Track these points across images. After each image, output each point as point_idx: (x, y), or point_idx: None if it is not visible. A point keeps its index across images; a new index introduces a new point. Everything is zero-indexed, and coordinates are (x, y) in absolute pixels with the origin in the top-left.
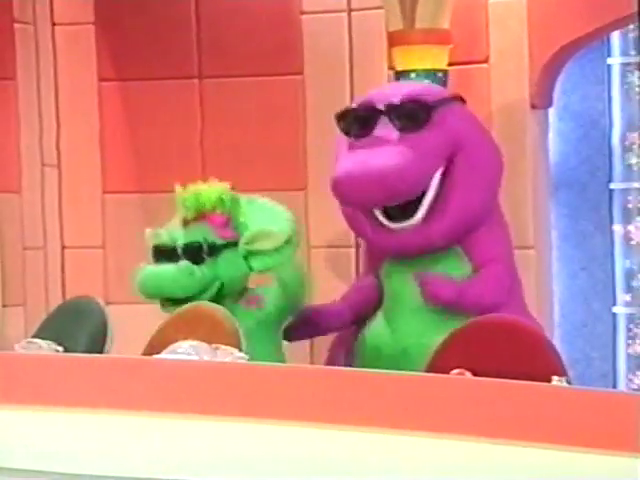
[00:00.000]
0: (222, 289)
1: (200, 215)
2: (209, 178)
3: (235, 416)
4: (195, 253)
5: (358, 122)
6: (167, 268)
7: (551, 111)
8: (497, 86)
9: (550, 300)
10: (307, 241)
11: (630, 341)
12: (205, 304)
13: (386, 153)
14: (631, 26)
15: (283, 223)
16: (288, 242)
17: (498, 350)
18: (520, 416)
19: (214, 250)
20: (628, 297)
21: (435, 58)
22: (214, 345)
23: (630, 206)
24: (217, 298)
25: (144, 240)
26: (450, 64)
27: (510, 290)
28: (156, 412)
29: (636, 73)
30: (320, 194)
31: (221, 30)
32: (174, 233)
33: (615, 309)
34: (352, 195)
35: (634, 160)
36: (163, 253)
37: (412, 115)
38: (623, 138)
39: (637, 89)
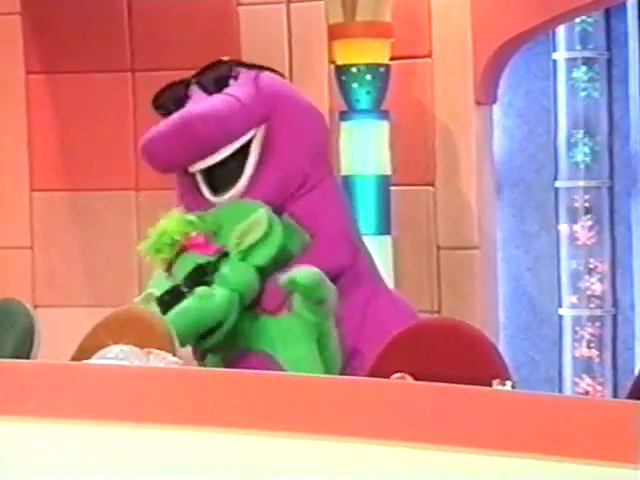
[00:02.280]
0: (243, 300)
1: (179, 250)
2: (143, 175)
3: (169, 424)
4: (198, 278)
5: (171, 97)
6: (186, 304)
7: (495, 107)
8: (440, 81)
9: (495, 301)
10: None
11: (576, 344)
12: (136, 306)
13: (189, 106)
14: (577, 20)
15: (251, 208)
16: (271, 221)
17: (440, 353)
18: (464, 421)
19: (213, 269)
20: (574, 299)
21: (376, 52)
22: (146, 349)
23: (576, 205)
24: (245, 313)
25: (75, 240)
26: (392, 58)
27: (355, 257)
28: (83, 420)
29: (582, 68)
30: None
31: (155, 21)
32: (166, 283)
33: (561, 311)
34: (160, 153)
35: (580, 158)
36: (170, 300)
37: (217, 76)
38: (569, 135)
39: (583, 85)
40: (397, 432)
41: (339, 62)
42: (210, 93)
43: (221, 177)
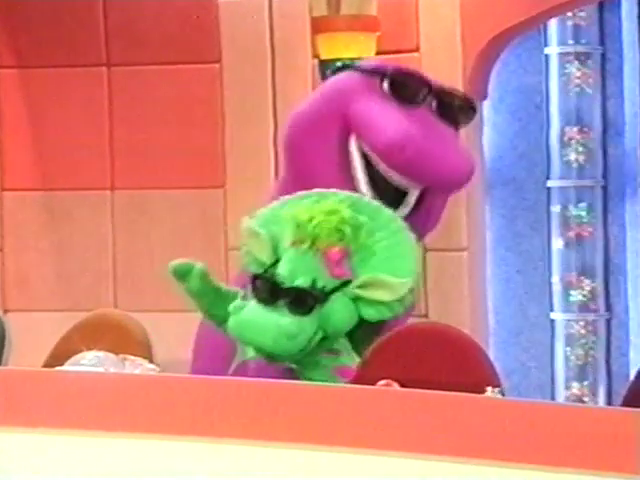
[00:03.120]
0: (321, 341)
1: (315, 246)
2: (119, 174)
3: (145, 433)
4: (302, 301)
5: (413, 90)
6: (267, 320)
7: (485, 104)
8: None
9: (484, 306)
10: (225, 243)
11: (569, 349)
12: (111, 310)
13: (460, 144)
14: (569, 13)
15: (407, 266)
16: (409, 292)
17: (427, 359)
18: (452, 430)
19: (325, 298)
20: (566, 302)
21: (362, 46)
22: (121, 355)
23: (568, 205)
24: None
25: (47, 241)
26: (378, 53)
27: None
28: (55, 429)
29: (575, 63)
30: (240, 192)
31: (131, 14)
32: (279, 254)
33: (553, 315)
34: (462, 179)
35: (573, 156)
36: (262, 286)
37: (465, 116)
38: (562, 133)
39: (576, 80)
40: (383, 441)
41: (323, 57)
42: (444, 118)
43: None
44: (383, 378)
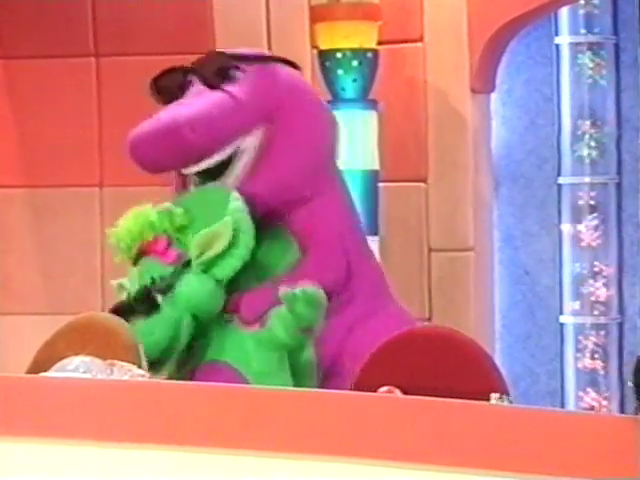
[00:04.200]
0: (197, 321)
1: (142, 252)
2: (108, 170)
3: (135, 442)
4: (146, 301)
5: (170, 84)
6: (142, 327)
7: (493, 96)
8: (433, 68)
9: (491, 308)
10: None
11: (580, 354)
12: (99, 313)
13: (180, 106)
14: (581, 1)
15: (221, 209)
16: (239, 228)
17: (431, 365)
18: (457, 439)
19: (166, 285)
20: (577, 305)
21: (363, 36)
22: (109, 361)
23: (580, 203)
24: (199, 328)
25: (33, 241)
26: (380, 43)
27: (351, 272)
28: (40, 438)
29: (587, 54)
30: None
31: (121, 2)
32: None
33: (563, 318)
34: (146, 156)
35: (585, 152)
36: (126, 313)
37: (218, 69)
38: (573, 127)
39: (589, 72)
40: (383, 451)
41: (322, 47)
42: (210, 87)
43: (215, 178)
44: (384, 384)
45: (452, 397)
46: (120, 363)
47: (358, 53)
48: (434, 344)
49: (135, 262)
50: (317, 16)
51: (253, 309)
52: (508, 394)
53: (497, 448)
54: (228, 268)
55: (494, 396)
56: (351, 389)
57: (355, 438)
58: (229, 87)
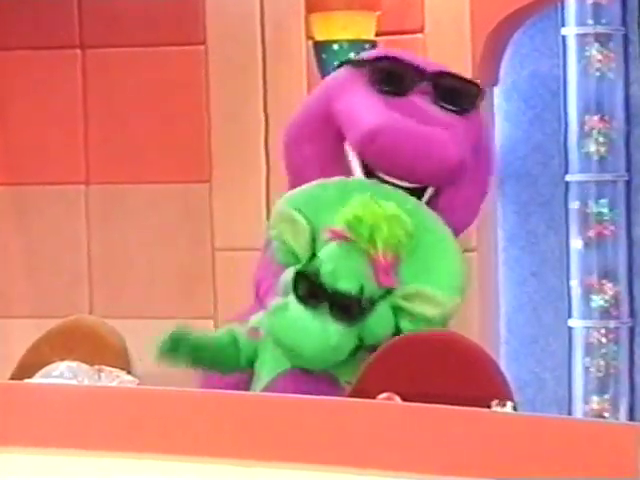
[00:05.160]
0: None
1: (362, 245)
2: (94, 167)
3: (123, 451)
4: (347, 309)
5: (396, 78)
6: (314, 327)
7: (497, 90)
8: (434, 60)
9: (495, 311)
10: (211, 242)
11: (588, 359)
12: (86, 317)
13: (446, 132)
14: None
15: (454, 278)
16: (455, 308)
17: (432, 371)
18: (459, 447)
19: (371, 308)
20: (586, 308)
21: (361, 26)
22: (97, 366)
23: (588, 202)
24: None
25: (16, 241)
26: (379, 34)
27: None
28: (24, 448)
29: (595, 45)
30: (227, 187)
31: None
32: (316, 246)
33: (571, 322)
34: (412, 159)
35: (593, 148)
36: (303, 285)
37: (463, 95)
38: (580, 122)
39: (597, 64)
40: (382, 460)
41: (318, 38)
42: (442, 105)
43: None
44: (384, 391)
45: (454, 404)
46: (108, 369)
47: (356, 44)
48: (435, 349)
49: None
50: (313, 6)
51: None
52: (512, 401)
53: (498, 457)
54: (412, 327)
55: (495, 403)
56: (349, 396)
57: (352, 446)
58: (464, 119)
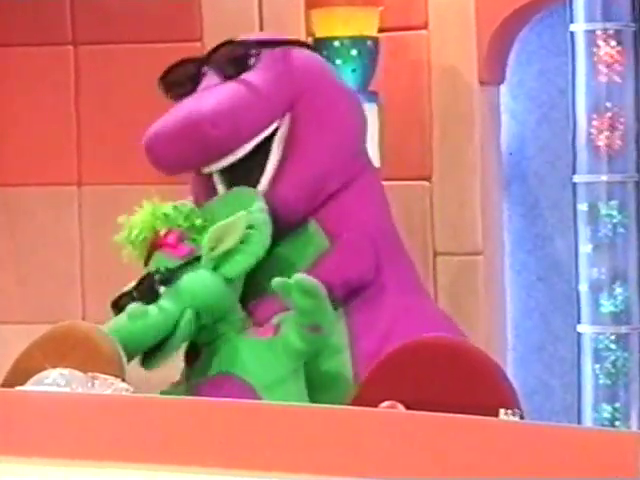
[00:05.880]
0: (200, 319)
1: (150, 247)
2: (87, 168)
3: (118, 461)
4: (147, 289)
5: (181, 78)
6: (118, 319)
7: (503, 88)
8: (438, 58)
9: (502, 317)
10: None
11: (598, 367)
12: (79, 322)
13: (196, 100)
14: None
15: (238, 203)
16: (254, 224)
17: (437, 378)
18: (464, 457)
19: (171, 276)
20: (595, 313)
21: (363, 22)
22: (90, 374)
23: (597, 203)
24: (207, 334)
25: (5, 244)
26: (381, 30)
27: (380, 267)
28: (15, 457)
29: (605, 42)
30: None
31: None
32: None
33: (580, 328)
34: (165, 156)
35: (602, 148)
36: (123, 302)
37: (233, 57)
38: (589, 121)
39: (606, 62)
40: (386, 469)
41: (319, 34)
42: (225, 77)
43: (241, 176)
44: (386, 399)
45: (459, 412)
46: (102, 376)
47: (357, 41)
48: (440, 356)
49: (146, 262)
50: (313, 1)
51: (266, 313)
52: (519, 409)
53: (504, 467)
54: (238, 266)
55: (503, 411)
56: (352, 404)
57: (354, 456)
58: (246, 76)
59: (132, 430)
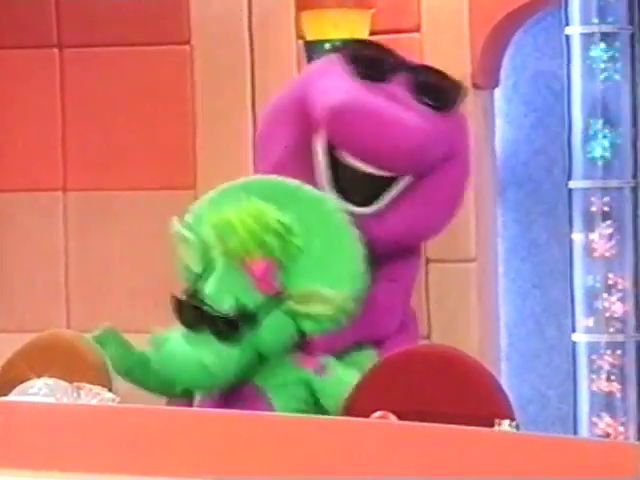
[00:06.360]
0: (261, 361)
1: (235, 256)
2: (72, 173)
3: (103, 473)
4: (228, 329)
5: (374, 63)
6: (188, 356)
7: (497, 92)
8: (431, 61)
9: (495, 325)
10: None
11: (594, 376)
12: (64, 331)
13: (415, 118)
14: None
15: (346, 270)
16: (350, 301)
17: (429, 388)
18: (457, 468)
19: (252, 316)
20: (590, 322)
21: (354, 25)
22: (76, 384)
23: (593, 209)
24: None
25: None
26: (373, 33)
27: (402, 318)
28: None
29: (600, 45)
30: None
31: None
32: (210, 260)
33: (575, 337)
34: (352, 131)
35: (598, 153)
36: (186, 313)
37: (443, 91)
38: (585, 126)
39: (602, 65)
40: None
41: (309, 37)
42: (417, 99)
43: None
44: (378, 409)
45: (452, 423)
46: (88, 386)
47: (348, 44)
48: (433, 365)
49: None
50: (303, 3)
51: (319, 348)
52: (514, 419)
53: (499, 477)
54: (321, 327)
55: (498, 422)
56: (342, 414)
57: (344, 467)
58: (440, 115)
59: (118, 440)
